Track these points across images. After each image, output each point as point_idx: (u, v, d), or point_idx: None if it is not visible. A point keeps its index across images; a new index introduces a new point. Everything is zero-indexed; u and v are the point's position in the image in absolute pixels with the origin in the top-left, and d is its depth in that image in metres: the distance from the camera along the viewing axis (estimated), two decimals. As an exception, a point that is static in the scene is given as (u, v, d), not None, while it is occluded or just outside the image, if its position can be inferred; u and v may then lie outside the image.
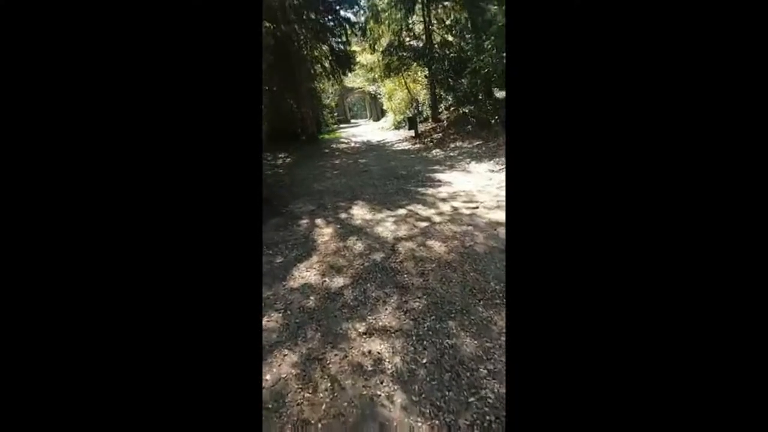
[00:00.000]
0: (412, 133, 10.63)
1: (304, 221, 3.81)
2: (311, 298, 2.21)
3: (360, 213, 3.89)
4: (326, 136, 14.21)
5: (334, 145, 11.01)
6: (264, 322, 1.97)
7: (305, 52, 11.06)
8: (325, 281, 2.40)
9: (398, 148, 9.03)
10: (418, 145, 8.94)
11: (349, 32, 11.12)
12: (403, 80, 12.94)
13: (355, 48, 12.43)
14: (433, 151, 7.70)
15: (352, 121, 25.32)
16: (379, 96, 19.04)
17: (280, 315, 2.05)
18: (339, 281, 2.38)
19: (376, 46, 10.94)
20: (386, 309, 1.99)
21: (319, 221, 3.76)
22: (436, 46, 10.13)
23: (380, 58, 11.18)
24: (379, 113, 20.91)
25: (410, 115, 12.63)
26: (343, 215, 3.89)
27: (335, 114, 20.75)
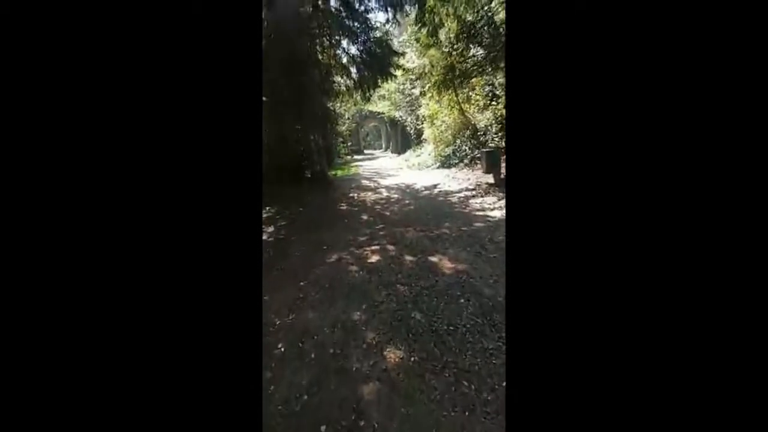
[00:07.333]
0: (489, 178, 6.38)
1: None
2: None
3: None
4: (340, 173, 10.14)
5: (354, 193, 6.78)
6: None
7: (323, 57, 7.19)
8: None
9: (494, 214, 4.66)
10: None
11: (391, 19, 7.11)
12: (454, 98, 9.00)
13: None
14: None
15: (366, 152, 21.59)
16: (401, 122, 15.24)
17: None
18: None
19: (434, 40, 6.90)
20: None
21: None
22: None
23: (439, 59, 7.14)
24: (399, 143, 17.10)
25: (464, 146, 8.53)
26: None
27: (349, 144, 16.88)
